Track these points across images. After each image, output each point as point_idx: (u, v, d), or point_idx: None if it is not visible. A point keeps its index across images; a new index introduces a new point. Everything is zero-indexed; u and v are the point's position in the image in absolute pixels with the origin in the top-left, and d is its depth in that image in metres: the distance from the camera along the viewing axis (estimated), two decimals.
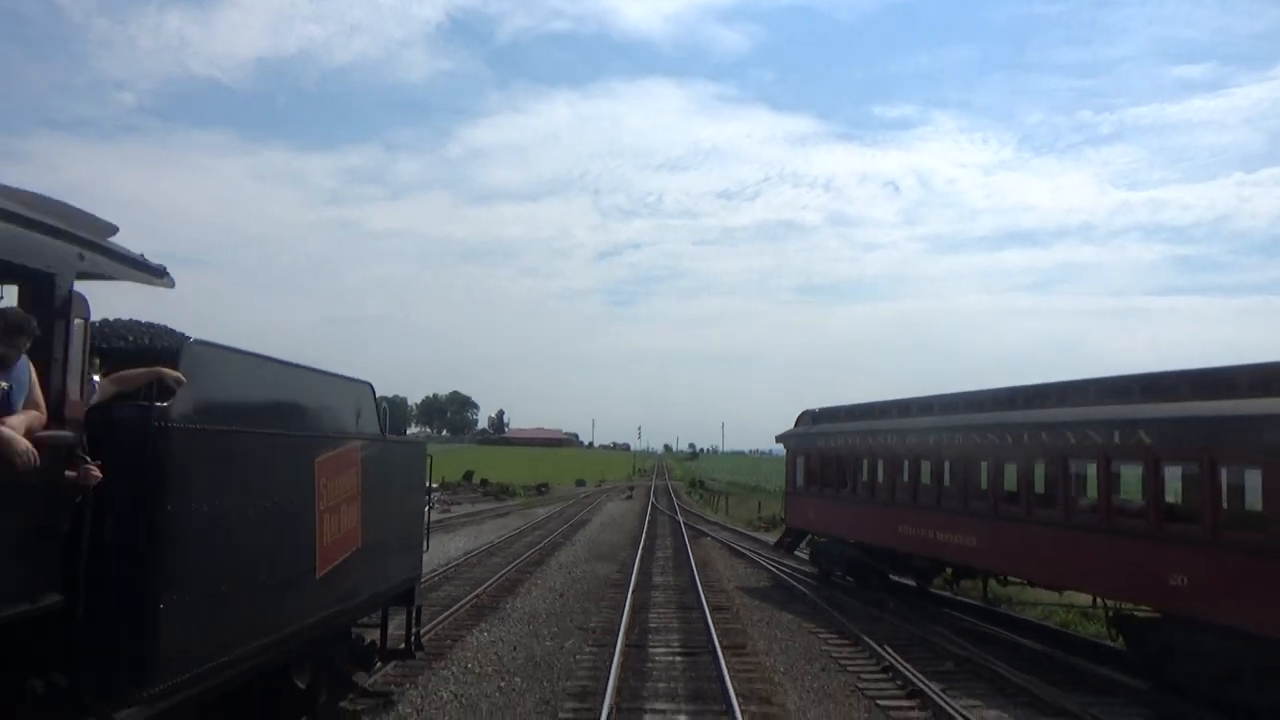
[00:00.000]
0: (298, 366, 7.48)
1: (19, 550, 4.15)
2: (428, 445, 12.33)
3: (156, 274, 5.36)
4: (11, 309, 4.18)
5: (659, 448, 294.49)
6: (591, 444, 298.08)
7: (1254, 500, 10.15)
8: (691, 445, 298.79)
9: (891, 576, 20.03)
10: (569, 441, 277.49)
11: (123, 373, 5.15)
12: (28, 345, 4.13)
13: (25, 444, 3.93)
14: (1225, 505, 10.48)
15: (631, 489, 77.91)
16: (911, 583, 19.82)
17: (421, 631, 11.41)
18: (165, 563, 5.20)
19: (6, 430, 3.88)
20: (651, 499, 59.64)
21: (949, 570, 17.74)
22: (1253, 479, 10.16)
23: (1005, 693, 11.84)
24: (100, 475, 4.44)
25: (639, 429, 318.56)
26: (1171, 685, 11.27)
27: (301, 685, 8.04)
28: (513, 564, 23.86)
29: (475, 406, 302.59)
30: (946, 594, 19.41)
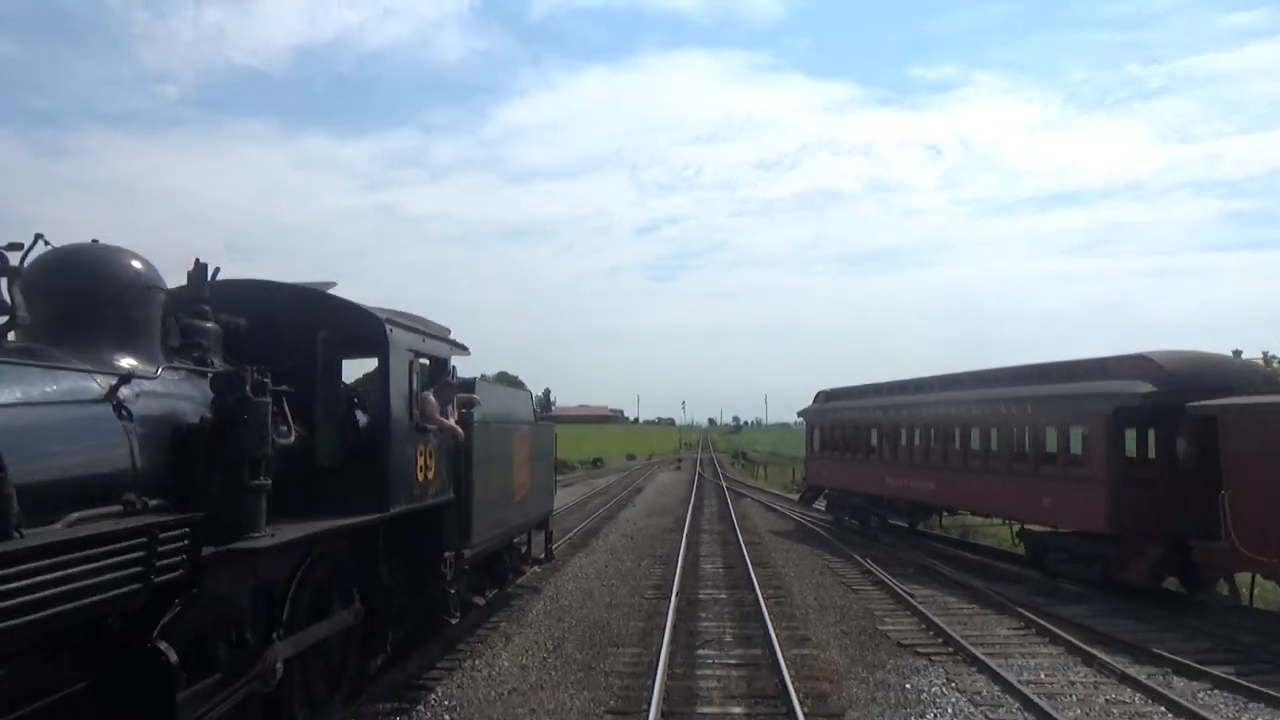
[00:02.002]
0: (505, 386, 13.49)
1: (450, 473, 10.19)
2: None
3: (466, 350, 11.37)
4: (450, 380, 10.20)
5: (703, 422, 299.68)
6: (637, 420, 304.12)
7: (1092, 448, 15.77)
8: (735, 418, 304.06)
9: (890, 521, 25.78)
10: (615, 418, 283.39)
11: (460, 395, 11.16)
12: (455, 393, 10.15)
13: (459, 430, 9.97)
14: (1069, 451, 16.18)
15: (679, 461, 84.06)
16: (904, 524, 25.57)
17: (552, 547, 17.50)
18: (473, 486, 11.20)
19: (456, 425, 9.93)
20: (698, 469, 65.62)
21: (925, 510, 23.51)
22: (1090, 433, 15.83)
23: (941, 582, 17.60)
24: (457, 432, 10.46)
25: (683, 404, 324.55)
26: (1048, 572, 17.00)
27: (507, 563, 14.17)
28: (590, 518, 29.97)
29: (522, 386, 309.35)
30: (936, 532, 25.21)
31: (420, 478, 9.32)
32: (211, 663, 6.20)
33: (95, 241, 6.58)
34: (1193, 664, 11.12)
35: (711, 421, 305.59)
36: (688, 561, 20.41)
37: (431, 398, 9.81)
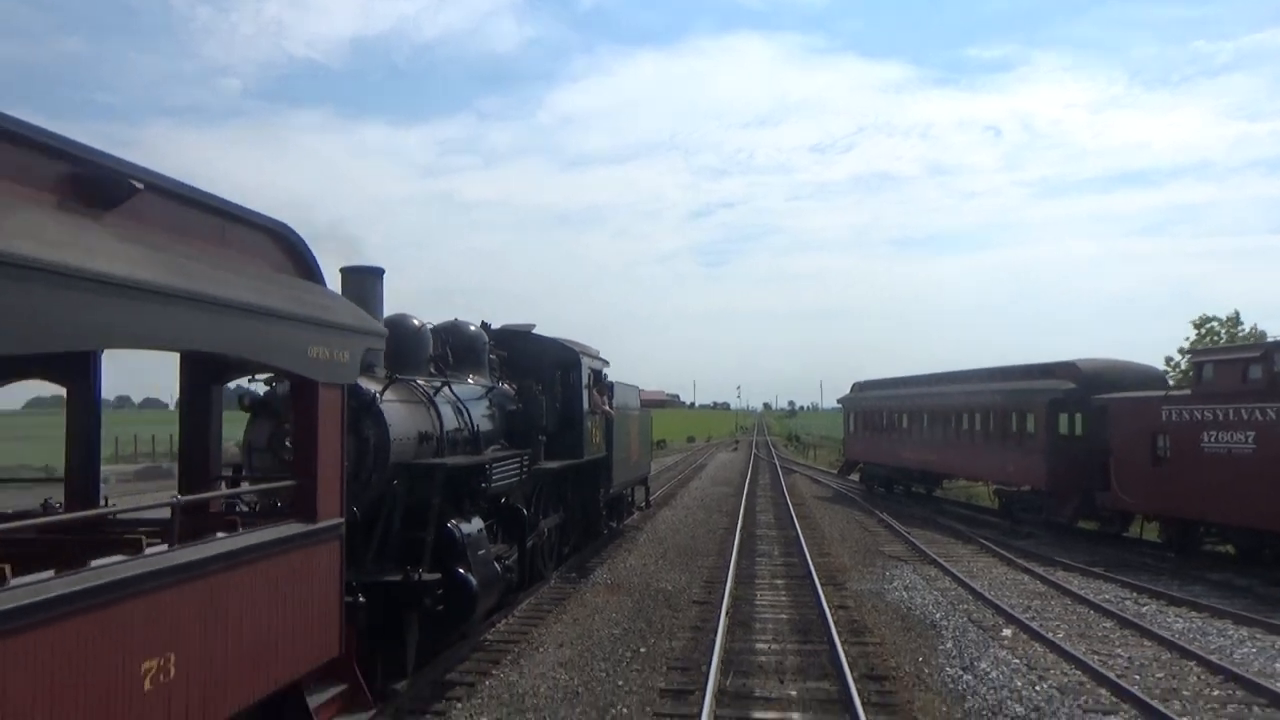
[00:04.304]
0: (622, 383, 20.11)
1: (603, 440, 16.86)
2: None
3: (608, 364, 17.97)
4: (604, 382, 16.79)
5: (758, 406, 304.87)
6: (693, 404, 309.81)
7: (1035, 429, 21.94)
8: (791, 403, 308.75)
9: (913, 489, 32.00)
10: (671, 402, 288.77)
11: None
12: (606, 390, 16.77)
13: (611, 412, 16.60)
14: (1026, 431, 22.34)
15: (736, 443, 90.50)
16: (923, 490, 31.79)
17: (650, 498, 24.17)
18: (614, 449, 17.82)
19: (609, 410, 16.56)
20: (753, 450, 72.01)
21: (933, 477, 29.77)
22: (1034, 418, 21.97)
23: (935, 527, 23.87)
24: (612, 415, 17.09)
25: (738, 388, 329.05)
26: (1013, 519, 23.19)
27: (623, 505, 20.86)
28: (665, 486, 36.58)
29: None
30: (949, 497, 31.41)
31: (592, 441, 15.98)
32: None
33: (456, 320, 13.28)
34: (1076, 564, 17.36)
35: (767, 406, 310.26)
36: (747, 514, 26.89)
37: (596, 393, 16.44)
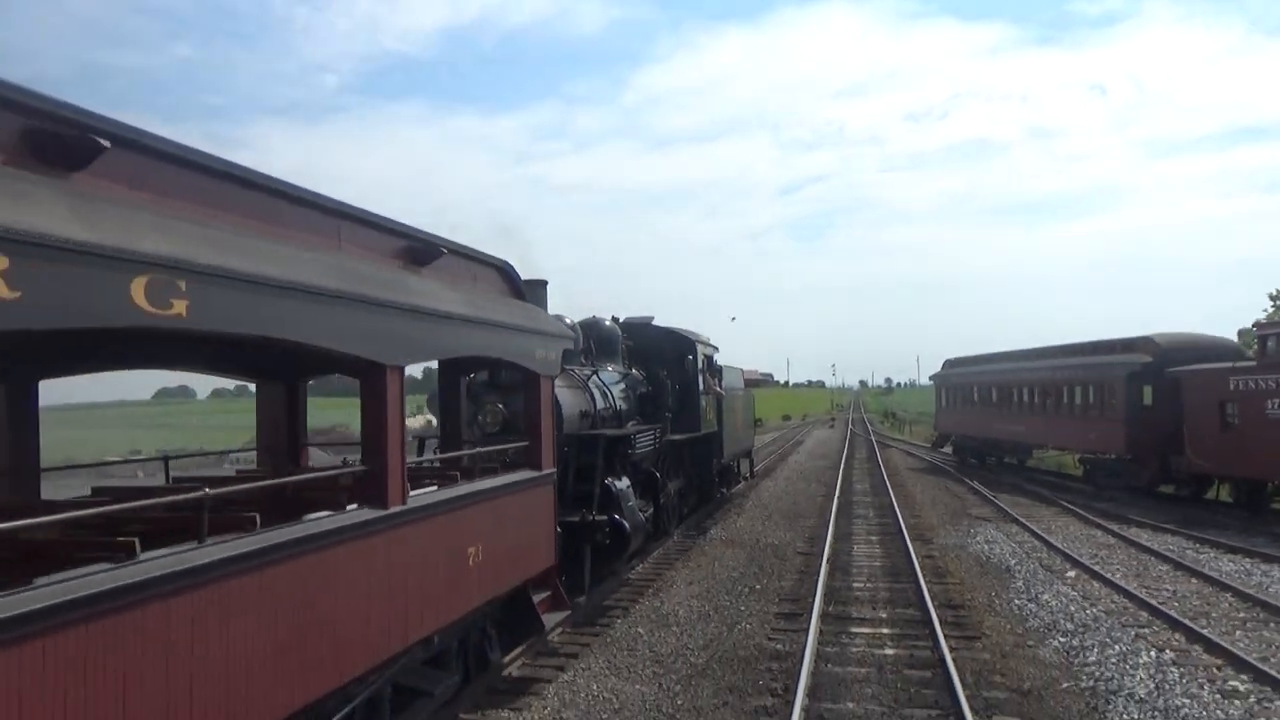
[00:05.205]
0: (728, 366, 22.51)
1: (714, 416, 19.35)
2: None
3: (718, 349, 20.40)
4: (715, 365, 19.26)
5: (854, 384, 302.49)
6: (787, 382, 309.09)
7: (1115, 400, 23.50)
8: (888, 379, 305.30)
9: (1005, 459, 33.57)
10: (765, 381, 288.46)
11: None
12: (716, 376, 19.23)
13: (721, 392, 19.07)
14: (1107, 402, 23.91)
15: (833, 420, 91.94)
16: (1015, 460, 33.34)
17: (755, 469, 26.55)
18: (723, 424, 20.27)
19: (719, 390, 19.02)
20: (850, 427, 73.53)
21: (1022, 448, 31.35)
22: (1114, 390, 23.52)
23: (1023, 494, 25.58)
24: (722, 394, 19.53)
25: (833, 366, 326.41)
26: (1096, 485, 24.79)
27: (737, 472, 23.31)
28: (765, 461, 38.87)
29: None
30: (1041, 467, 32.90)
31: (706, 417, 18.45)
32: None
33: (594, 316, 15.87)
34: (1147, 521, 19.08)
35: (863, 383, 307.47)
36: (844, 483, 29.02)
37: (708, 375, 18.89)
